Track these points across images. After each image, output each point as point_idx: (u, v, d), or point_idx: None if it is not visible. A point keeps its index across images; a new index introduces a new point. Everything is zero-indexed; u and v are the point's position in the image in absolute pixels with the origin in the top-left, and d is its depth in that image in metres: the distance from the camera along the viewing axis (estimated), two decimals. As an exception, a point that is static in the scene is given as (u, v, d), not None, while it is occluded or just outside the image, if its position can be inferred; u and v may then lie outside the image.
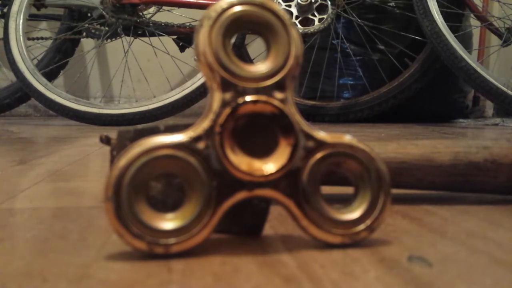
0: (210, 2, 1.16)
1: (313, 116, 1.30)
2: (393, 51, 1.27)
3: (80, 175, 0.44)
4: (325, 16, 1.13)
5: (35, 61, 1.30)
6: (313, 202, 0.22)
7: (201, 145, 0.21)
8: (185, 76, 1.45)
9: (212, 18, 0.21)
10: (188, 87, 1.18)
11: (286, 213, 0.22)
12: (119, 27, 1.22)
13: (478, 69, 1.05)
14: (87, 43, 1.52)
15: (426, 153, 0.30)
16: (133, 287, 0.18)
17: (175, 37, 1.27)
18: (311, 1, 1.13)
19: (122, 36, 1.26)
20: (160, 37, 1.28)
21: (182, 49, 1.26)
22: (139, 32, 1.26)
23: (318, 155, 0.22)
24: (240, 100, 0.21)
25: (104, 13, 1.21)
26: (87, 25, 1.24)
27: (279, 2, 1.16)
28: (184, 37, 1.24)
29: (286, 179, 0.21)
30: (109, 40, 1.27)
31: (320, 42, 1.32)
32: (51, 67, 1.31)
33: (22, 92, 1.33)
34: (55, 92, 1.19)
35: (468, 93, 1.46)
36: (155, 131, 0.23)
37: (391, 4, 1.29)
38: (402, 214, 0.29)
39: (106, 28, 1.23)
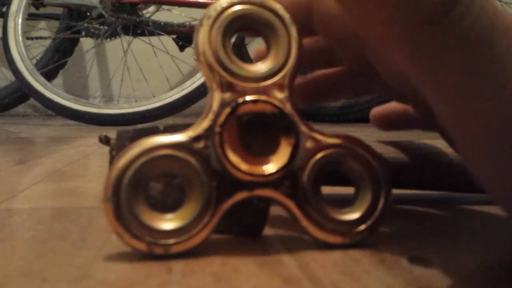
0: (209, 1, 1.16)
1: (314, 116, 1.30)
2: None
3: (79, 175, 0.44)
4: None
5: (34, 61, 1.30)
6: (314, 202, 0.22)
7: (200, 145, 0.21)
8: (185, 76, 1.45)
9: (212, 17, 0.21)
10: (187, 87, 1.18)
11: (287, 213, 0.22)
12: (118, 26, 1.22)
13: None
14: (86, 43, 1.52)
15: (427, 153, 0.30)
16: (132, 288, 0.18)
17: (174, 36, 1.27)
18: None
19: (121, 35, 1.25)
20: (160, 37, 1.28)
21: (181, 48, 1.26)
22: (138, 32, 1.26)
23: (319, 155, 0.22)
24: (240, 100, 0.21)
25: (103, 12, 1.21)
26: (86, 24, 1.24)
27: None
28: (183, 37, 1.24)
29: (287, 179, 0.21)
30: (108, 40, 1.27)
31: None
32: (50, 67, 1.31)
33: (21, 91, 1.33)
34: (54, 92, 1.19)
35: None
36: (155, 131, 0.23)
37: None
38: (403, 215, 0.29)
39: (106, 28, 1.23)
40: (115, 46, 1.40)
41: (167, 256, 0.20)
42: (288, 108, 0.21)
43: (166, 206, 0.22)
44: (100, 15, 1.21)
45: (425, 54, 0.15)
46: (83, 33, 1.26)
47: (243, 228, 0.23)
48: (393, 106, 0.25)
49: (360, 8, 0.15)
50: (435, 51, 0.15)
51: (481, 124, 0.15)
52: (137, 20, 1.21)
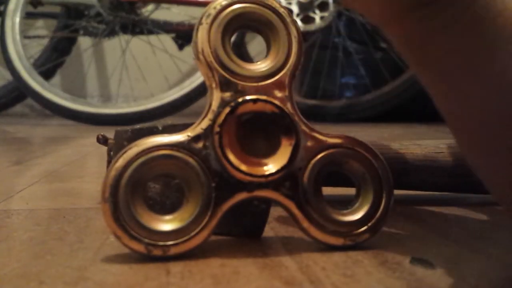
0: None
1: (314, 115, 1.29)
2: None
3: (77, 175, 0.44)
4: (326, 14, 1.13)
5: (32, 60, 1.29)
6: (314, 203, 0.21)
7: (200, 145, 0.20)
8: (184, 75, 1.44)
9: (211, 16, 0.21)
10: (187, 86, 1.18)
11: (287, 214, 0.22)
12: (116, 25, 1.22)
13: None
14: (84, 42, 1.51)
15: (429, 154, 0.30)
16: (130, 291, 0.17)
17: (173, 35, 1.27)
18: (312, -1, 1.13)
19: (119, 34, 1.25)
20: (159, 35, 1.28)
21: (180, 47, 1.26)
22: (137, 30, 1.26)
23: (319, 156, 0.21)
24: (239, 99, 0.21)
25: (102, 11, 1.21)
26: (84, 23, 1.23)
27: None
28: (182, 35, 1.24)
29: (287, 180, 0.21)
30: (106, 38, 1.26)
31: (321, 40, 1.32)
32: (48, 66, 1.31)
33: (18, 91, 1.32)
34: (51, 91, 1.19)
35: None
36: (153, 131, 0.23)
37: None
38: (404, 216, 0.28)
39: (104, 26, 1.22)
40: (113, 45, 1.39)
41: (166, 258, 0.20)
42: (288, 107, 0.21)
43: (165, 207, 0.22)
44: (98, 14, 1.21)
45: (415, 37, 0.15)
46: (81, 32, 1.26)
47: (243, 229, 0.23)
48: None
49: None
50: (422, 35, 0.15)
51: (475, 110, 0.15)
52: (136, 18, 1.21)
